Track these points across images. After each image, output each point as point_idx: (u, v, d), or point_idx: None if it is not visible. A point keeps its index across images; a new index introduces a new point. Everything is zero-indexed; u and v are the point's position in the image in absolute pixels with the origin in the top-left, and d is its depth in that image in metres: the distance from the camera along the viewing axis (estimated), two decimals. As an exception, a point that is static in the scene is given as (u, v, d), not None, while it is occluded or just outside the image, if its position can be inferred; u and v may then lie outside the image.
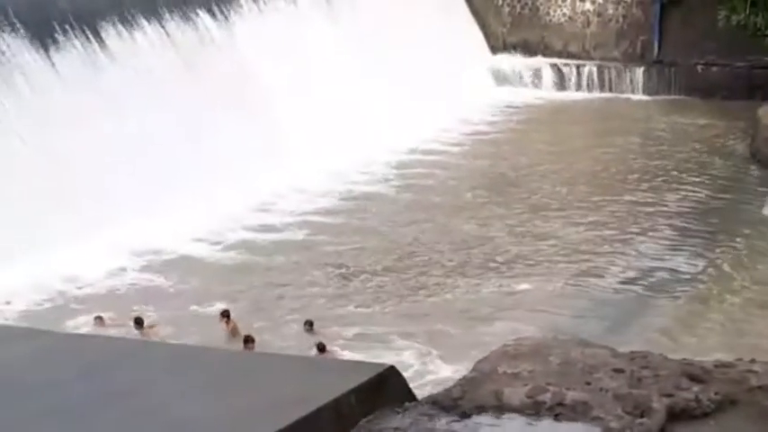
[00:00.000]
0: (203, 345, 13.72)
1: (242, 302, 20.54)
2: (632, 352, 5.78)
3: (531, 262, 22.72)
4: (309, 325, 19.14)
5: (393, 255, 23.21)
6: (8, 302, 20.02)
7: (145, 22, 27.24)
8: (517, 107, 37.96)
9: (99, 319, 19.15)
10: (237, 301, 20.54)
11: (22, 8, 24.62)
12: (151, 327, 18.86)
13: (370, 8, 34.95)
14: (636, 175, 29.32)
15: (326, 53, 31.97)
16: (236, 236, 24.24)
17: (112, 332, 17.91)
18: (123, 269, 22.11)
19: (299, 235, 24.51)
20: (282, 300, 20.72)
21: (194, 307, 20.24)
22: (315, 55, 31.52)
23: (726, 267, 22.29)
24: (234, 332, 18.72)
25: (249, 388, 5.43)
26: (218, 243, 23.82)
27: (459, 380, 5.58)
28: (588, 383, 5.34)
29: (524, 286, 21.27)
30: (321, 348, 17.89)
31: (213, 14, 29.37)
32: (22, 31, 24.12)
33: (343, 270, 22.32)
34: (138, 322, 18.79)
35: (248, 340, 17.71)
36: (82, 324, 19.10)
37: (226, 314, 19.13)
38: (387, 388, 5.42)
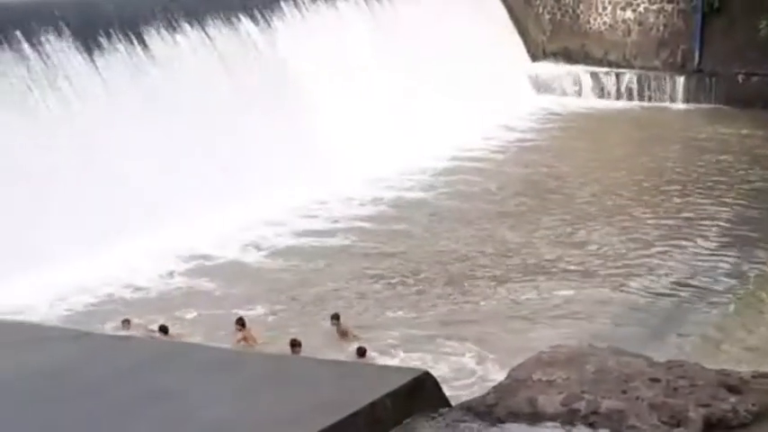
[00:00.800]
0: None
1: (284, 307, 20.63)
2: (669, 361, 5.75)
3: (573, 269, 22.68)
4: (336, 319, 19.20)
5: (436, 261, 23.21)
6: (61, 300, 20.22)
7: (188, 27, 27.43)
8: (557, 115, 37.92)
9: (126, 322, 19.25)
10: (280, 306, 20.65)
11: (68, 12, 24.86)
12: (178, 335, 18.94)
13: (410, 14, 35.05)
14: (676, 185, 29.21)
15: (367, 59, 32.08)
16: (278, 241, 24.29)
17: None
18: (170, 273, 22.15)
19: (342, 241, 24.56)
20: (325, 304, 20.77)
21: (237, 311, 20.31)
22: (356, 60, 31.63)
23: (767, 276, 22.17)
24: (248, 340, 18.74)
25: (285, 392, 5.47)
26: (261, 248, 23.87)
27: (494, 386, 5.59)
28: (624, 392, 5.32)
29: (565, 293, 21.24)
30: (361, 353, 17.93)
31: (255, 19, 29.53)
32: (67, 34, 24.35)
33: (386, 276, 22.36)
34: (164, 330, 18.79)
35: (295, 344, 17.78)
36: (116, 327, 19.21)
37: (240, 322, 19.10)
38: (422, 393, 5.45)
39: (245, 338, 18.69)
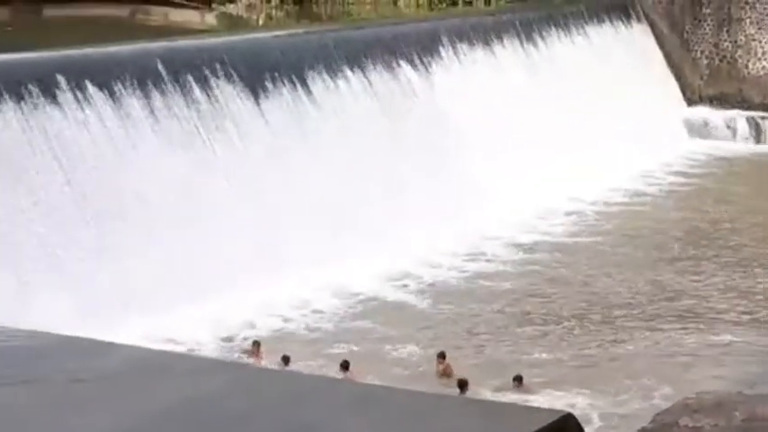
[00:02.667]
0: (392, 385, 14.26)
1: (433, 343, 21.07)
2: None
3: (731, 315, 22.42)
4: (442, 357, 19.48)
5: (589, 303, 23.26)
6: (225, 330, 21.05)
7: (349, 72, 28.28)
8: (712, 159, 37.50)
9: (256, 344, 19.88)
10: (428, 342, 21.04)
11: (237, 58, 25.89)
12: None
13: (567, 59, 35.29)
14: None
15: (523, 102, 32.38)
16: (430, 278, 24.72)
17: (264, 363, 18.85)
18: (319, 310, 22.72)
19: (494, 280, 24.76)
20: (473, 342, 21.08)
21: (387, 347, 20.80)
22: (511, 103, 31.95)
23: None
24: (446, 373, 19.24)
25: (429, 430, 5.49)
26: (412, 285, 24.34)
27: (638, 430, 5.70)
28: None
29: (721, 338, 21.01)
30: (461, 385, 18.09)
31: (414, 65, 30.21)
32: (235, 79, 25.39)
33: (538, 316, 22.54)
34: (285, 360, 19.37)
35: (463, 384, 18.05)
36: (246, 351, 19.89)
37: (442, 355, 19.64)
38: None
39: (445, 371, 19.26)
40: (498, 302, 23.46)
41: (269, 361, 19.33)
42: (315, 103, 26.93)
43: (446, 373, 19.36)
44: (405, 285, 24.37)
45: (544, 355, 20.56)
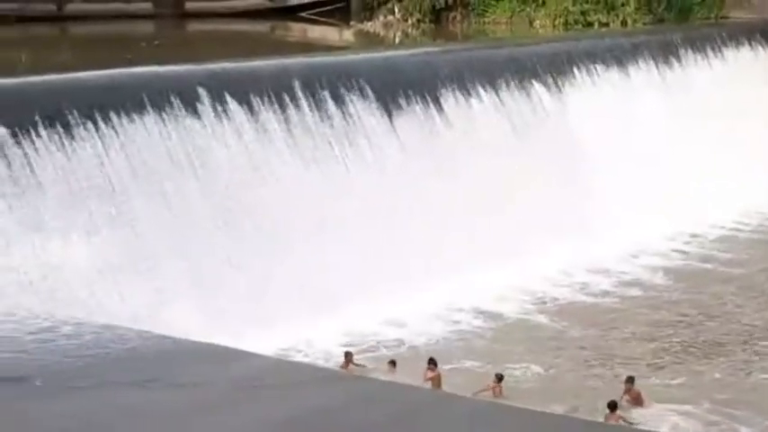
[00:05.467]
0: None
1: (559, 363, 21.14)
2: None
3: None
4: (630, 382, 19.26)
5: (731, 333, 23.05)
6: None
7: (482, 90, 28.51)
8: None
9: (348, 354, 20.09)
10: (555, 361, 21.14)
11: (372, 75, 26.37)
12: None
13: (703, 79, 34.91)
14: None
15: (657, 123, 32.19)
16: (558, 297, 24.89)
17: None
18: (457, 323, 23.06)
19: (624, 301, 24.82)
20: (606, 366, 21.11)
21: (508, 365, 20.90)
22: (644, 127, 31.77)
23: None
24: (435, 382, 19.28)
25: None
26: (543, 303, 24.48)
27: None
28: None
29: None
30: (612, 407, 18.02)
31: (547, 85, 30.31)
32: (370, 96, 25.87)
33: (672, 342, 22.44)
34: (392, 364, 19.84)
35: (614, 407, 17.99)
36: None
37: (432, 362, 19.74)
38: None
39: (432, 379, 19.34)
40: (629, 326, 23.39)
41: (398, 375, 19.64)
42: (446, 121, 27.23)
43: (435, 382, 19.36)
44: (534, 302, 24.44)
45: (671, 381, 20.41)
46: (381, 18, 50.40)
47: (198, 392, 6.68)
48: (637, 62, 33.50)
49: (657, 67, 34.16)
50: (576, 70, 31.41)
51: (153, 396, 6.71)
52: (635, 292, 25.58)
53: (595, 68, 31.99)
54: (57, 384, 6.91)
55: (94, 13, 45.91)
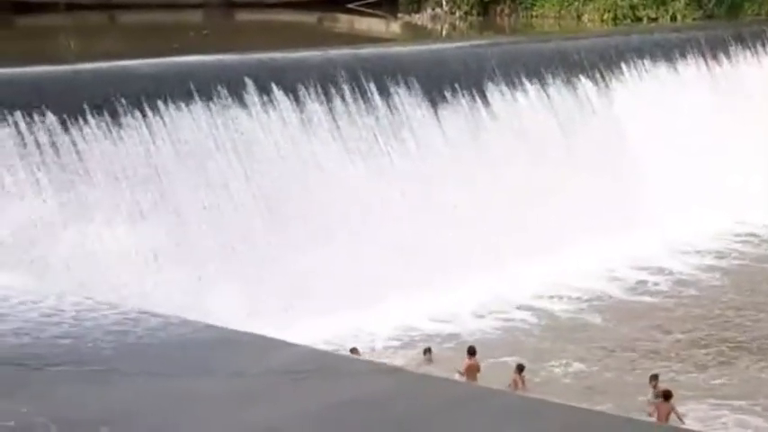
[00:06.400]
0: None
1: (604, 361, 21.06)
2: None
3: None
4: (654, 379, 19.18)
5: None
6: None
7: (528, 85, 28.41)
8: None
9: (354, 350, 19.90)
10: (598, 358, 21.06)
11: (419, 67, 26.34)
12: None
13: (753, 76, 34.56)
14: None
15: (705, 121, 31.90)
16: (603, 293, 24.77)
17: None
18: (500, 317, 23.04)
19: (672, 298, 24.71)
20: (645, 365, 21.02)
21: (544, 364, 20.82)
22: (692, 123, 31.51)
23: None
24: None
25: None
26: (585, 301, 24.38)
27: None
28: None
29: None
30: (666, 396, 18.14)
31: (594, 80, 30.13)
32: (416, 87, 25.81)
33: (714, 343, 22.27)
34: (426, 351, 19.88)
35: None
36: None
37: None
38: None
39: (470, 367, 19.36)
40: (669, 323, 23.26)
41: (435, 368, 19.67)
42: (492, 115, 27.15)
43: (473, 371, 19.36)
44: (576, 298, 24.37)
45: (713, 381, 20.29)
46: (429, 10, 50.35)
47: (238, 382, 6.73)
48: (685, 58, 33.21)
49: (706, 62, 33.85)
50: (623, 65, 31.19)
51: (193, 385, 6.76)
52: (683, 289, 25.37)
53: (643, 64, 31.77)
54: (99, 370, 6.98)
55: (143, 2, 46.23)
